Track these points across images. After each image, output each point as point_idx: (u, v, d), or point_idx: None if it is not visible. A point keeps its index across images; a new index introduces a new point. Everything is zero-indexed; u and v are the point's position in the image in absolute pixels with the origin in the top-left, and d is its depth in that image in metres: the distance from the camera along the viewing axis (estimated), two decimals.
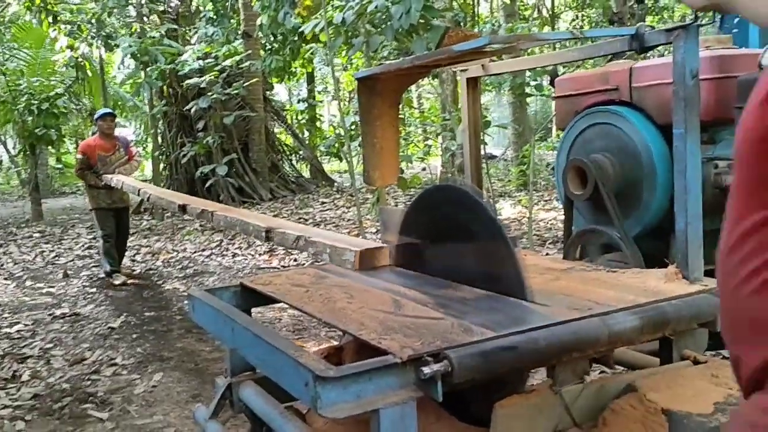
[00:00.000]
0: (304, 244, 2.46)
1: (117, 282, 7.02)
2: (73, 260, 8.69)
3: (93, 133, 9.16)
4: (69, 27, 12.60)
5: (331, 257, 2.17)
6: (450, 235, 2.04)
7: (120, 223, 7.32)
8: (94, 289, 6.91)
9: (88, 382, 4.23)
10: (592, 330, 1.66)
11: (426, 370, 1.44)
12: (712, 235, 2.42)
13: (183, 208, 3.85)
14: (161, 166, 14.24)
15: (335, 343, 4.01)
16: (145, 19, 13.83)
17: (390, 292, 2.03)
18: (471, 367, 1.48)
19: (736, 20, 3.68)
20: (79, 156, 7.39)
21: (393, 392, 1.48)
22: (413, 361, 1.48)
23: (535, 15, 18.18)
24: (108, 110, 7.89)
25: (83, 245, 9.72)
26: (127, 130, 21.01)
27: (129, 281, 7.12)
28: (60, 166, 22.58)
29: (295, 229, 2.68)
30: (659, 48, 2.30)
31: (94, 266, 8.12)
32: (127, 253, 7.83)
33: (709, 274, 2.17)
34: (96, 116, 7.57)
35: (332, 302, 2.00)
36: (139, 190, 6.04)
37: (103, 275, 7.33)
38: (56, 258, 8.90)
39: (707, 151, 2.31)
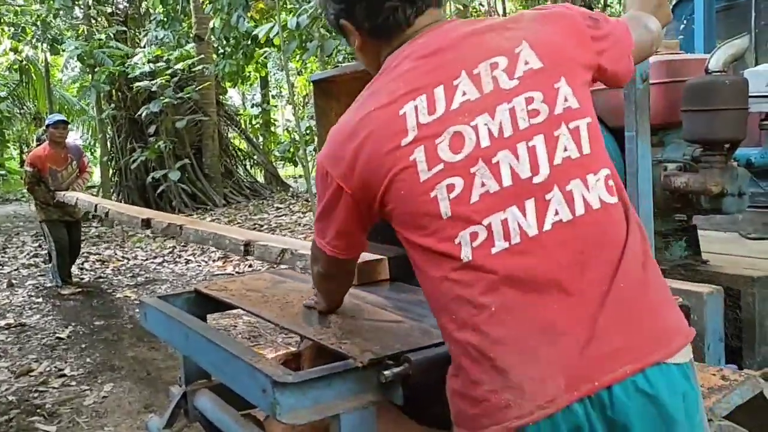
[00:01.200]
0: (290, 258, 2.24)
1: (65, 292, 6.70)
2: (17, 269, 8.39)
3: (38, 139, 8.83)
4: (12, 29, 12.22)
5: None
6: None
7: (71, 236, 6.86)
8: (41, 299, 6.69)
9: (36, 394, 4.09)
10: None
11: (387, 373, 1.43)
12: (663, 236, 2.49)
13: (147, 223, 3.49)
14: (110, 172, 13.90)
15: (292, 349, 3.96)
16: (92, 21, 13.50)
17: (349, 295, 2.01)
18: (431, 369, 1.47)
19: (682, 27, 3.80)
20: (28, 169, 6.74)
21: (353, 397, 1.46)
22: (373, 364, 1.47)
23: None
24: (60, 117, 7.09)
25: (28, 254, 9.41)
26: (73, 134, 20.45)
27: (77, 290, 6.81)
28: (3, 172, 21.83)
29: (277, 242, 2.44)
30: None
31: (39, 275, 7.86)
32: (75, 261, 7.56)
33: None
34: (47, 123, 6.88)
35: (290, 307, 1.98)
36: (96, 206, 5.60)
37: (49, 285, 7.10)
38: (0, 267, 8.59)
39: (656, 153, 2.37)
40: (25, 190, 20.49)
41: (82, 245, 9.14)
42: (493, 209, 1.14)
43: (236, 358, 1.56)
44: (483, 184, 1.14)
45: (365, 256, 1.96)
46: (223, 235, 2.70)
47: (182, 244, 8.93)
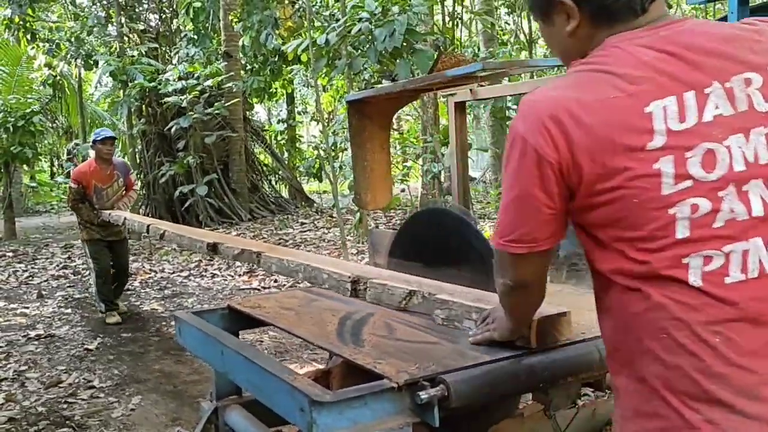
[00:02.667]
0: (421, 303, 1.91)
1: (110, 321, 6.11)
2: (47, 280, 8.52)
3: (68, 152, 8.95)
4: (47, 45, 12.51)
5: (478, 324, 1.69)
6: (442, 258, 2.05)
7: (116, 255, 6.37)
8: (70, 310, 6.78)
9: (65, 406, 4.14)
10: (586, 354, 1.67)
11: (422, 395, 1.44)
12: None
13: (213, 248, 2.93)
14: (139, 185, 14.11)
15: (318, 366, 3.97)
16: (125, 38, 13.78)
17: (381, 316, 2.02)
18: (467, 391, 1.47)
19: None
20: (72, 185, 6.29)
21: (389, 417, 1.47)
22: (409, 385, 1.47)
23: (513, 40, 18.47)
24: (109, 133, 6.52)
25: (57, 265, 9.55)
26: None
27: (122, 317, 6.23)
28: (34, 184, 22.24)
29: (398, 281, 2.04)
30: None
31: (68, 286, 7.98)
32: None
33: None
34: (94, 138, 6.37)
35: (324, 326, 1.99)
36: (148, 227, 4.93)
37: (78, 296, 7.18)
38: (30, 278, 8.73)
39: None
40: (56, 204, 20.83)
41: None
42: (736, 238, 1.05)
43: (274, 377, 1.57)
44: (732, 210, 1.05)
45: (542, 311, 1.55)
46: (318, 267, 2.26)
47: (208, 257, 9.00)
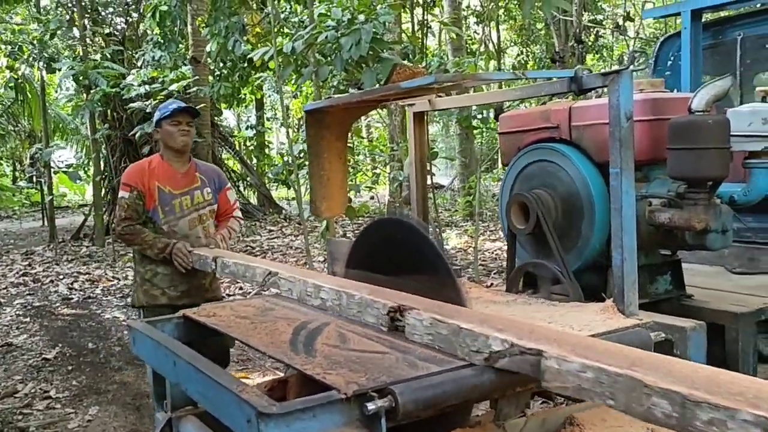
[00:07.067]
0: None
1: None
2: (6, 288, 8.34)
3: (31, 158, 8.72)
4: (10, 48, 12.27)
5: None
6: (396, 268, 2.06)
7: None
8: (28, 319, 6.64)
9: (20, 417, 4.06)
10: None
11: (370, 406, 1.44)
12: (648, 270, 2.52)
13: None
14: (103, 191, 13.88)
15: (280, 374, 3.95)
16: (89, 41, 13.58)
17: (336, 325, 2.03)
18: (416, 402, 1.48)
19: (669, 63, 3.87)
20: (123, 194, 3.35)
21: (337, 429, 1.47)
22: (358, 396, 1.48)
23: (482, 49, 18.66)
24: (180, 103, 3.51)
25: (17, 272, 9.35)
26: (67, 153, 20.39)
27: None
28: None
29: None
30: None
31: (28, 294, 7.81)
32: (64, 281, 7.43)
33: (643, 307, 2.26)
34: (161, 114, 3.39)
35: (277, 335, 1.99)
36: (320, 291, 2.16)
37: (38, 304, 7.04)
38: None
39: (641, 188, 2.41)
40: (17, 209, 20.37)
41: (72, 264, 8.94)
42: None
43: (222, 387, 1.57)
44: None
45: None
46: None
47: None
